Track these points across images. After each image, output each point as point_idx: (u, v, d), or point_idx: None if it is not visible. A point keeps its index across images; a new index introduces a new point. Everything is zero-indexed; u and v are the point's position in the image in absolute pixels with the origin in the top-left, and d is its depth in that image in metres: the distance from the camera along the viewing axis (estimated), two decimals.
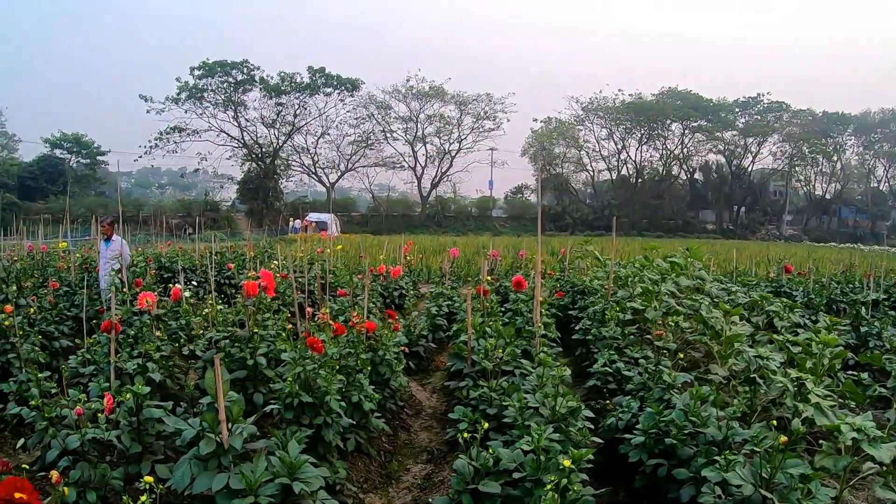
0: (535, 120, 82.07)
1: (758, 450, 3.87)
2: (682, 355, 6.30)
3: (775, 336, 6.56)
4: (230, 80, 64.52)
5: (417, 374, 8.98)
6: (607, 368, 6.75)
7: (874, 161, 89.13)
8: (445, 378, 8.10)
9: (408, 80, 73.08)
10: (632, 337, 7.57)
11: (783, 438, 3.75)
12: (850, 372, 6.43)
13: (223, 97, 65.12)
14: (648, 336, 7.11)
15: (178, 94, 63.32)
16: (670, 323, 7.06)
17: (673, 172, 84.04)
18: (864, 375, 6.08)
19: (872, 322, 10.00)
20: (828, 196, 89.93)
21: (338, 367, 5.45)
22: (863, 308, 10.66)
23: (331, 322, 5.91)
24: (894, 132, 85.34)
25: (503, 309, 9.63)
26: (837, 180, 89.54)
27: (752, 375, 5.66)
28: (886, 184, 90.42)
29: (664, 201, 78.81)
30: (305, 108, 69.68)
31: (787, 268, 14.86)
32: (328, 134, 72.43)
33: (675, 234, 70.45)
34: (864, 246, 59.77)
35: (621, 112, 77.79)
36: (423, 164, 76.25)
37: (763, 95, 79.38)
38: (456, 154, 76.36)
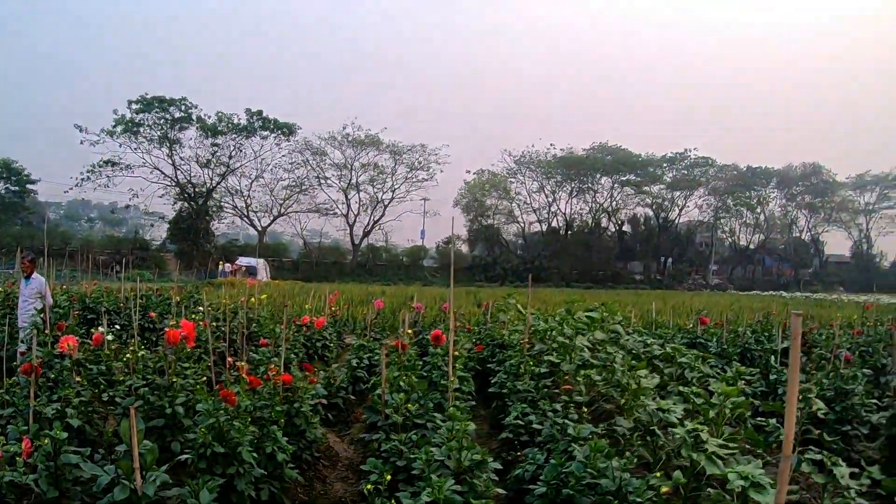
0: (469, 172, 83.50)
1: (640, 500, 4.11)
2: (586, 409, 6.55)
3: (681, 388, 6.88)
4: (167, 116, 63.98)
5: (336, 426, 9.05)
6: (519, 421, 6.95)
7: (796, 212, 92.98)
8: (364, 430, 8.22)
9: (344, 128, 73.70)
10: (546, 390, 7.78)
11: (665, 489, 3.99)
12: (759, 418, 6.74)
13: (159, 133, 64.48)
14: (560, 389, 7.35)
15: (114, 126, 62.37)
16: (579, 378, 7.32)
17: (602, 224, 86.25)
18: (773, 421, 6.38)
19: (781, 370, 10.39)
20: (752, 246, 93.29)
21: (251, 418, 5.57)
22: (772, 357, 11.07)
23: (245, 376, 6.03)
24: (815, 185, 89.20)
25: (422, 362, 9.80)
26: (761, 231, 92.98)
27: (651, 427, 5.94)
28: (808, 233, 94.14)
29: (593, 253, 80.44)
30: (241, 150, 69.60)
31: (702, 319, 15.36)
32: (262, 177, 72.42)
33: (605, 284, 71.74)
34: (786, 293, 61.68)
35: (553, 166, 79.86)
36: (355, 212, 76.66)
37: (690, 151, 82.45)
38: (389, 203, 77.04)
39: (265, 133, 69.38)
